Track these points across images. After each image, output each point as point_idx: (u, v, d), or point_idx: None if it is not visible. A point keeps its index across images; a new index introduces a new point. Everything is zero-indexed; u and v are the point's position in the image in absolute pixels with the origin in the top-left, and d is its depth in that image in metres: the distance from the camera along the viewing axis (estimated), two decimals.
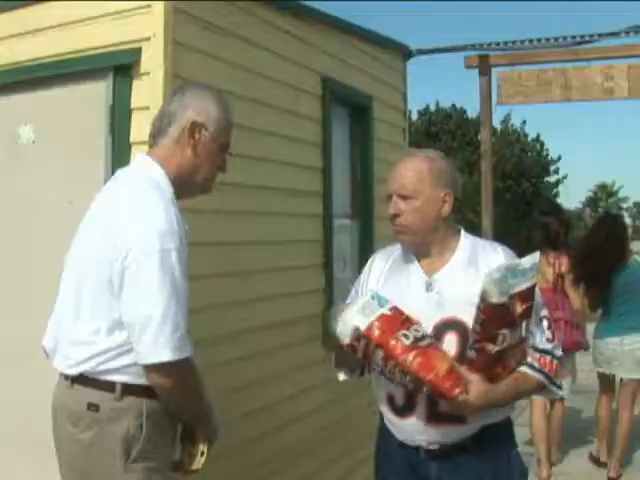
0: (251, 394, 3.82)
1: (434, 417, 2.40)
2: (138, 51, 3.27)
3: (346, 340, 2.33)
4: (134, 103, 3.31)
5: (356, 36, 5.22)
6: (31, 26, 3.53)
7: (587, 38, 7.82)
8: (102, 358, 2.26)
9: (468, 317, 2.31)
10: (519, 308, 2.26)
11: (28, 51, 3.53)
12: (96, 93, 3.37)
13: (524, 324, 2.31)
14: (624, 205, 43.03)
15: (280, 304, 4.08)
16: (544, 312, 2.49)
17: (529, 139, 32.95)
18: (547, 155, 33.32)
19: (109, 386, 2.26)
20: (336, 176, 4.91)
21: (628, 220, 34.48)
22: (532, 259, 2.29)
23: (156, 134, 2.48)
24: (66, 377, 2.35)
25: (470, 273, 2.44)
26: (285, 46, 4.28)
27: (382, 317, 2.31)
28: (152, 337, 2.18)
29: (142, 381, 2.27)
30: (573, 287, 6.04)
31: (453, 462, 2.45)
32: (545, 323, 2.48)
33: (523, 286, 2.26)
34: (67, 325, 2.37)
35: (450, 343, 2.39)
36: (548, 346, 2.46)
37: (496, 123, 28.07)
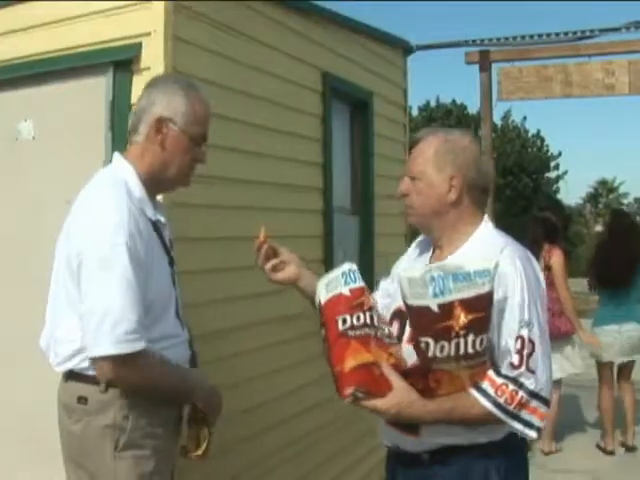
0: (250, 390, 3.82)
1: (390, 420, 2.23)
2: (138, 47, 3.27)
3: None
4: (134, 99, 3.29)
5: (357, 32, 5.21)
6: (31, 22, 3.53)
7: (588, 34, 7.82)
8: (83, 354, 2.31)
9: None
10: (463, 318, 1.99)
11: (28, 47, 3.53)
12: (96, 89, 3.36)
13: (478, 339, 2.01)
14: (625, 201, 42.97)
15: (280, 299, 4.07)
16: (523, 332, 2.12)
17: (529, 135, 32.91)
18: (547, 151, 33.28)
19: (95, 380, 2.32)
20: (336, 172, 4.91)
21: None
22: (485, 265, 2.05)
23: (131, 132, 2.50)
24: (62, 374, 2.44)
25: None
26: (285, 42, 4.27)
27: (338, 296, 2.18)
28: (93, 331, 2.21)
29: None
30: (564, 277, 6.18)
31: (415, 473, 2.26)
32: (516, 344, 2.11)
33: (467, 293, 2.00)
34: (53, 324, 2.45)
35: None
36: (511, 373, 2.10)
37: (496, 119, 28.02)
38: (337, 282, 2.21)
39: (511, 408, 2.09)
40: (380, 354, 2.10)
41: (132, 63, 3.29)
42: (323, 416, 4.54)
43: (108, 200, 2.32)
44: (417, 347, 2.05)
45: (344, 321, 2.13)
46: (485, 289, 2.03)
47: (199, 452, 2.51)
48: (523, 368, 2.10)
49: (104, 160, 3.27)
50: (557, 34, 7.96)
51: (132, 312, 2.21)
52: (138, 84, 3.29)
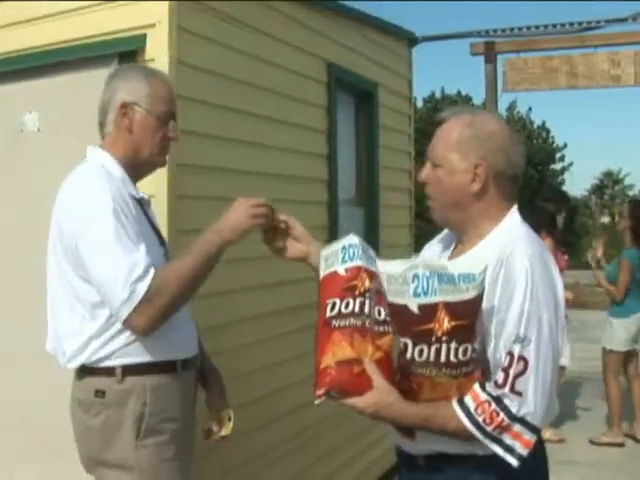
0: (250, 383, 3.82)
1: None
2: (143, 38, 3.27)
3: None
4: None
5: (361, 23, 5.20)
6: (36, 13, 3.53)
7: (593, 24, 7.79)
8: (95, 345, 2.34)
9: None
10: (447, 323, 1.81)
11: (33, 39, 3.53)
12: (101, 80, 3.34)
13: (461, 348, 1.83)
14: (630, 193, 42.84)
15: (285, 291, 4.09)
16: (515, 348, 1.88)
17: (535, 126, 32.89)
18: (553, 142, 33.25)
19: (110, 371, 2.34)
20: (341, 163, 4.90)
21: None
22: (471, 269, 1.86)
23: (101, 126, 2.54)
24: (75, 372, 2.43)
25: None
26: (290, 33, 4.27)
27: (333, 275, 2.02)
28: (111, 297, 2.23)
29: (140, 359, 2.34)
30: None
31: (414, 476, 2.14)
32: (504, 360, 1.89)
33: (451, 297, 1.83)
34: (55, 323, 2.46)
35: None
36: (494, 391, 1.88)
37: (502, 110, 27.95)
38: (335, 258, 2.04)
39: (489, 429, 1.87)
40: (364, 348, 1.91)
41: (137, 54, 3.29)
42: (322, 410, 4.53)
43: (86, 180, 2.37)
44: (398, 347, 1.89)
45: (332, 307, 1.96)
46: (469, 295, 1.83)
47: (225, 432, 2.57)
48: (506, 389, 1.87)
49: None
50: (563, 25, 7.94)
51: (135, 261, 2.22)
52: None
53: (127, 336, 2.32)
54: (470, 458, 1.98)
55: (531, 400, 1.88)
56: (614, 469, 5.90)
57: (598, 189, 43.09)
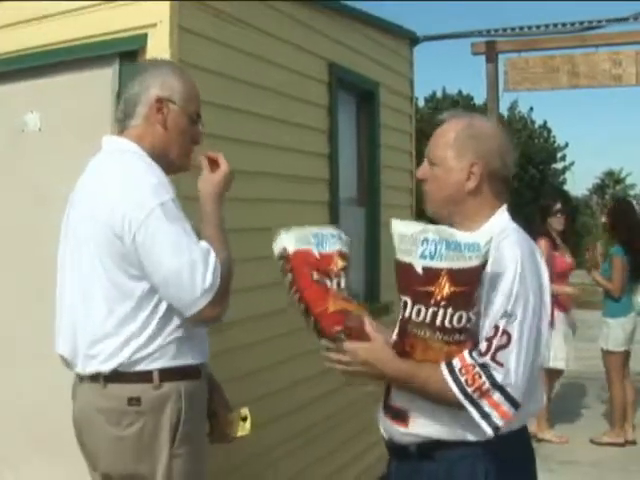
0: (254, 382, 3.82)
1: (385, 408, 2.23)
2: (144, 37, 3.27)
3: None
4: None
5: (362, 22, 5.20)
6: (37, 13, 3.52)
7: (595, 24, 7.80)
8: (134, 345, 2.24)
9: None
10: (447, 289, 1.90)
11: (34, 38, 3.52)
12: (102, 80, 3.36)
13: (457, 314, 1.91)
14: (631, 192, 42.79)
15: (283, 289, 4.08)
16: (501, 322, 1.97)
17: (536, 126, 32.82)
18: (554, 142, 33.18)
19: (146, 376, 2.25)
20: (342, 163, 4.90)
21: (636, 207, 34.35)
22: (476, 238, 1.94)
23: (124, 118, 2.46)
24: (95, 378, 2.29)
25: None
26: (291, 32, 4.27)
27: (308, 251, 2.22)
28: (187, 288, 2.18)
29: (176, 363, 2.28)
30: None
31: (406, 466, 2.19)
32: (490, 332, 1.97)
33: (455, 264, 1.90)
34: (85, 325, 2.32)
35: None
36: (478, 358, 1.95)
37: (503, 110, 27.96)
38: (307, 241, 2.24)
39: (470, 390, 1.94)
40: (359, 308, 2.14)
41: (138, 54, 3.29)
42: (323, 410, 4.54)
43: (132, 165, 2.31)
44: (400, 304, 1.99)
45: (313, 274, 2.16)
46: (472, 263, 1.91)
47: (242, 432, 2.56)
48: (488, 357, 1.95)
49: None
50: (564, 24, 7.94)
51: (203, 251, 2.22)
52: None
53: (165, 336, 2.25)
54: (461, 444, 2.05)
55: (513, 372, 1.95)
56: (615, 469, 5.90)
57: (599, 189, 43.04)
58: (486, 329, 1.99)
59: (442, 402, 2.01)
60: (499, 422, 1.95)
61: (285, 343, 4.08)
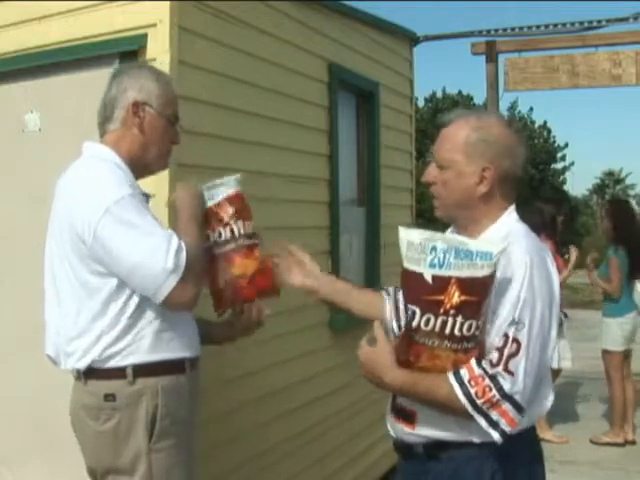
0: (254, 382, 3.82)
1: (392, 408, 2.22)
2: (144, 37, 3.26)
3: None
4: None
5: (362, 22, 5.20)
6: (37, 13, 3.52)
7: (595, 24, 7.78)
8: (105, 342, 2.28)
9: None
10: (456, 298, 1.89)
11: (34, 38, 3.52)
12: (102, 80, 3.34)
13: (467, 323, 1.90)
14: (631, 192, 42.85)
15: (286, 291, 4.08)
16: (510, 330, 1.96)
17: (536, 126, 32.85)
18: (554, 142, 33.20)
19: (120, 372, 2.28)
20: (342, 163, 4.90)
21: (635, 207, 34.41)
22: (490, 247, 1.91)
23: (103, 122, 2.51)
24: (78, 376, 2.36)
25: None
26: (291, 32, 4.27)
27: (208, 210, 2.47)
28: (152, 272, 2.19)
29: (152, 358, 2.30)
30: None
31: (412, 466, 2.20)
32: (500, 341, 1.96)
33: (465, 272, 1.89)
34: (61, 323, 2.39)
35: None
36: (490, 369, 1.95)
37: (503, 110, 27.97)
38: (206, 196, 2.49)
39: (479, 402, 1.95)
40: (246, 264, 2.47)
41: (138, 54, 3.28)
42: (322, 411, 4.53)
43: (94, 169, 2.35)
44: (406, 314, 1.97)
45: (208, 237, 2.46)
46: (483, 272, 1.89)
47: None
48: (500, 367, 1.94)
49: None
50: (564, 24, 7.93)
51: (165, 237, 2.22)
52: None
53: (137, 331, 2.28)
54: (467, 446, 2.05)
55: (521, 380, 1.95)
56: (615, 469, 5.90)
57: (599, 188, 43.10)
58: (493, 337, 1.98)
59: (448, 411, 2.01)
60: (507, 429, 1.96)
61: (284, 344, 4.07)
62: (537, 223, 6.48)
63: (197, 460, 2.78)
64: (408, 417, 2.13)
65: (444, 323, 1.90)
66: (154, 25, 3.25)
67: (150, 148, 2.47)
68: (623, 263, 6.43)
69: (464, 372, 1.95)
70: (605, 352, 6.56)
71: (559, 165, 33.50)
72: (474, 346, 1.95)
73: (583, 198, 41.49)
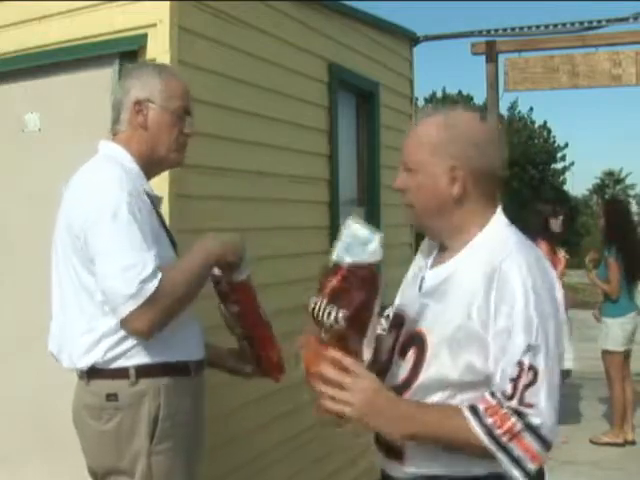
0: (251, 384, 3.80)
1: (377, 441, 2.02)
2: (144, 37, 3.26)
3: None
4: None
5: (362, 22, 5.20)
6: (37, 13, 3.52)
7: (595, 24, 7.79)
8: (107, 343, 2.27)
9: (432, 334, 1.87)
10: (334, 283, 1.77)
11: (34, 38, 3.52)
12: (102, 80, 3.36)
13: (328, 309, 1.76)
14: (632, 192, 42.83)
15: (286, 291, 4.08)
16: (525, 357, 1.74)
17: (536, 126, 32.87)
18: (554, 142, 33.23)
19: (123, 373, 2.27)
20: (342, 163, 4.90)
21: (635, 207, 34.41)
22: (372, 242, 1.77)
23: (113, 124, 2.52)
24: (81, 375, 2.35)
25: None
26: (291, 32, 4.27)
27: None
28: (116, 291, 2.17)
29: (155, 360, 2.29)
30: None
31: None
32: (513, 371, 1.73)
33: (351, 261, 1.76)
34: (65, 322, 2.39)
35: (407, 362, 1.91)
36: (505, 402, 1.72)
37: (503, 110, 28.01)
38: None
39: (499, 433, 1.70)
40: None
41: (138, 54, 3.29)
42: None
43: (100, 171, 2.35)
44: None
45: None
46: (362, 262, 1.76)
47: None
48: (514, 401, 1.71)
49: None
50: (564, 24, 7.93)
51: (144, 260, 2.17)
52: None
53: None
54: (465, 479, 1.82)
55: (545, 410, 1.72)
56: (615, 469, 5.90)
57: (599, 188, 43.05)
58: (506, 368, 1.74)
59: (459, 448, 1.77)
60: (531, 467, 1.72)
61: (283, 345, 4.07)
62: (535, 224, 6.52)
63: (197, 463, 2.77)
64: (395, 451, 1.89)
65: (319, 308, 1.78)
66: (154, 25, 3.25)
67: (158, 144, 2.46)
68: (620, 263, 6.43)
69: (478, 405, 1.74)
70: (605, 352, 6.55)
71: (559, 165, 33.54)
72: (336, 339, 1.78)
73: (583, 198, 41.45)
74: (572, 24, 7.90)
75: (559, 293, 1.88)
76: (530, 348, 1.74)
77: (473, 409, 1.74)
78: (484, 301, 1.79)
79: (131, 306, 2.14)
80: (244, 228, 3.73)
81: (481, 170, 1.90)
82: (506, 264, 1.79)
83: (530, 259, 1.83)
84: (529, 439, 1.71)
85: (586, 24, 7.81)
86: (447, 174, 1.88)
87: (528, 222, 6.50)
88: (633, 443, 6.48)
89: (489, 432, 1.71)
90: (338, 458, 4.76)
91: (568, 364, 6.50)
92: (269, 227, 4.02)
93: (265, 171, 3.98)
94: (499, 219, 1.94)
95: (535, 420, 1.70)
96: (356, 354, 1.79)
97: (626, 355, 6.61)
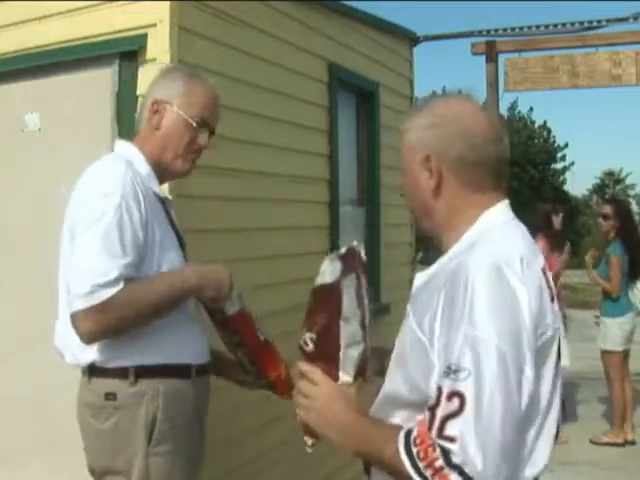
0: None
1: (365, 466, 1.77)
2: (144, 37, 3.26)
3: None
4: (140, 90, 3.30)
5: (362, 22, 5.20)
6: (37, 13, 3.52)
7: (595, 24, 7.78)
8: (103, 341, 2.26)
9: (395, 345, 1.72)
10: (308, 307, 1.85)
11: (34, 38, 3.52)
12: (102, 80, 3.36)
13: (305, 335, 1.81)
14: (631, 192, 42.83)
15: (286, 291, 4.08)
16: (446, 383, 1.45)
17: (536, 126, 32.85)
18: (554, 142, 33.20)
19: (123, 372, 2.27)
20: (342, 163, 4.90)
21: (635, 207, 34.39)
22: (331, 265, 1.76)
23: (137, 123, 2.53)
24: (83, 372, 2.36)
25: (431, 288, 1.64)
26: (291, 32, 4.27)
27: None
28: (73, 286, 2.19)
29: (156, 361, 2.28)
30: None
31: None
32: (432, 398, 1.48)
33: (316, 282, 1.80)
34: (66, 319, 2.34)
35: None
36: (429, 432, 1.45)
37: (503, 110, 28.01)
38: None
39: (422, 466, 1.43)
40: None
41: (138, 54, 3.28)
42: None
43: (103, 172, 2.34)
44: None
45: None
46: (322, 281, 1.77)
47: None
48: (434, 431, 1.43)
49: (110, 151, 3.27)
50: (564, 24, 7.93)
51: (102, 263, 2.15)
52: (144, 75, 3.29)
53: (143, 334, 2.25)
54: None
55: (470, 448, 1.40)
56: (615, 469, 5.90)
57: (599, 188, 43.06)
58: (432, 388, 1.50)
59: (397, 476, 1.52)
60: None
61: (282, 345, 4.07)
62: (537, 222, 6.51)
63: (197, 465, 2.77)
64: (367, 471, 1.75)
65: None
66: (154, 25, 3.25)
67: (167, 148, 2.43)
68: (624, 262, 6.43)
69: (414, 428, 1.50)
70: (605, 352, 6.56)
71: (559, 165, 33.52)
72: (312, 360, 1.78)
73: (583, 198, 41.46)
74: (572, 24, 7.89)
75: (525, 310, 1.51)
76: (450, 370, 1.45)
77: (407, 434, 1.49)
78: (435, 311, 1.55)
79: (79, 305, 2.14)
80: (244, 228, 3.74)
81: (459, 157, 1.67)
82: (459, 269, 1.54)
83: (492, 264, 1.52)
84: (453, 477, 1.41)
85: (586, 24, 7.81)
86: (424, 166, 1.70)
87: (528, 222, 6.51)
88: (633, 443, 6.48)
89: (414, 463, 1.46)
90: (338, 459, 4.75)
91: (564, 361, 6.51)
92: (269, 227, 4.02)
93: (265, 171, 3.98)
94: (490, 214, 1.69)
95: (455, 459, 1.40)
96: (329, 371, 1.75)
97: (625, 355, 6.61)
